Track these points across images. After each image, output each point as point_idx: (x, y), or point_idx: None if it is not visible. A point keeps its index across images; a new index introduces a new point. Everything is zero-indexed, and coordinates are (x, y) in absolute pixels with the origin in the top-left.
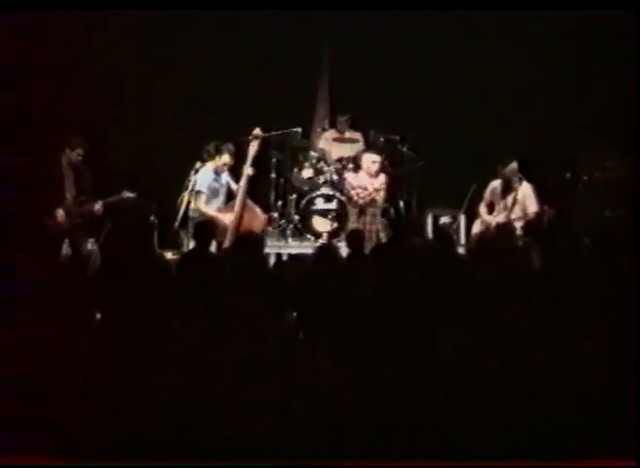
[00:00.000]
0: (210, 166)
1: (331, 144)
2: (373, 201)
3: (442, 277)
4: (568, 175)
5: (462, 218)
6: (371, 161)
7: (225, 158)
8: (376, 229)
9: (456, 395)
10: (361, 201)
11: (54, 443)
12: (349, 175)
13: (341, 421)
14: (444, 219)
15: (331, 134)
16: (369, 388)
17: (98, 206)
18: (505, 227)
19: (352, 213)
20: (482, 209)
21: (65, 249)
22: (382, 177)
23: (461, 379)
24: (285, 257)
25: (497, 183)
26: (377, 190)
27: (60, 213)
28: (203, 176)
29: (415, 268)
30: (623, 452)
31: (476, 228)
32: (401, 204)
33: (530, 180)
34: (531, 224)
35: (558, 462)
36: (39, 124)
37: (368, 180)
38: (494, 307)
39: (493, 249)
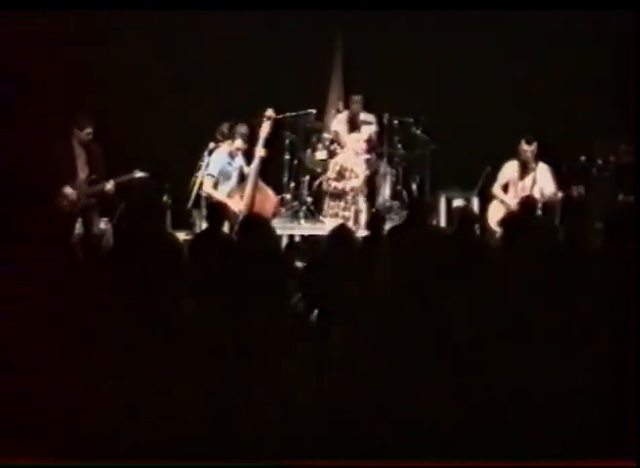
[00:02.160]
0: (224, 149)
1: (344, 126)
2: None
3: (459, 260)
4: (582, 158)
5: (476, 201)
6: (355, 140)
7: (238, 143)
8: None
9: (456, 393)
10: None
11: (53, 443)
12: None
13: (350, 416)
14: (457, 202)
15: (344, 115)
16: (377, 379)
17: (109, 185)
18: (528, 201)
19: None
20: (498, 190)
21: (78, 228)
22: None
23: (462, 377)
24: (297, 239)
25: (513, 164)
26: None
27: (70, 192)
28: (216, 160)
29: (430, 251)
30: (623, 452)
31: (496, 210)
32: (414, 186)
33: (546, 163)
34: (549, 206)
35: (558, 462)
36: (49, 104)
37: (352, 161)
38: (499, 295)
39: (522, 229)
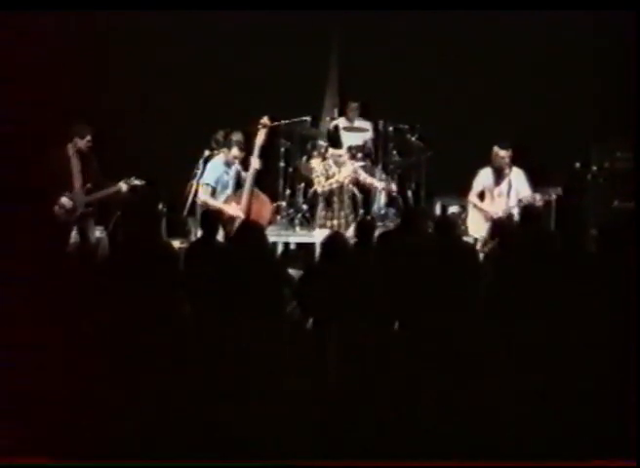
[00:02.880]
0: (221, 158)
1: (340, 133)
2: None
3: (450, 266)
4: (577, 165)
5: (471, 207)
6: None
7: (235, 152)
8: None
9: (456, 393)
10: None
11: (54, 443)
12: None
13: (344, 419)
14: (452, 209)
15: (340, 122)
16: (374, 383)
17: (124, 187)
18: (529, 210)
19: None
20: (474, 198)
21: (74, 237)
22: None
23: (462, 377)
24: (293, 246)
25: (487, 171)
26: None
27: (65, 200)
28: (213, 169)
29: (422, 257)
30: (623, 452)
31: (474, 218)
32: (409, 193)
33: (534, 168)
34: (527, 211)
35: (558, 462)
36: (46, 114)
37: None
38: (496, 299)
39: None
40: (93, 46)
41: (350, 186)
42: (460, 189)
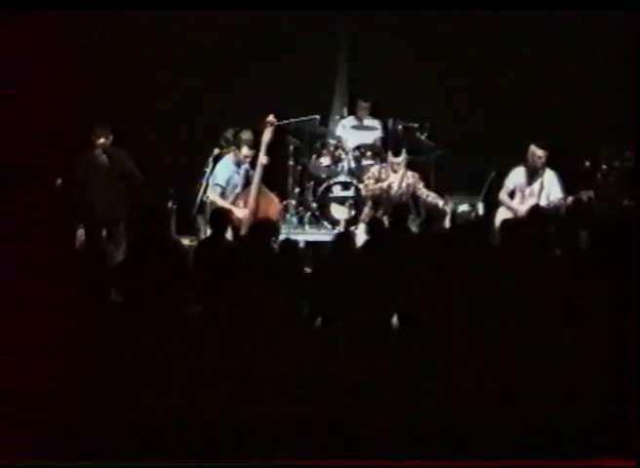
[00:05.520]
0: (231, 157)
1: (349, 132)
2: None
3: (459, 265)
4: (587, 164)
5: (481, 206)
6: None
7: (244, 150)
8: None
9: (456, 393)
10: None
11: (54, 443)
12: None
13: (352, 418)
14: (462, 208)
15: (349, 121)
16: (383, 382)
17: None
18: (537, 211)
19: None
20: (504, 196)
21: (81, 235)
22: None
23: (463, 377)
24: (302, 245)
25: (520, 170)
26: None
27: None
28: (223, 169)
29: (431, 256)
30: (623, 452)
31: (503, 217)
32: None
33: (553, 168)
34: (555, 211)
35: (558, 462)
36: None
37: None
38: (504, 297)
39: (526, 236)
40: (99, 46)
41: (404, 197)
42: (470, 188)
